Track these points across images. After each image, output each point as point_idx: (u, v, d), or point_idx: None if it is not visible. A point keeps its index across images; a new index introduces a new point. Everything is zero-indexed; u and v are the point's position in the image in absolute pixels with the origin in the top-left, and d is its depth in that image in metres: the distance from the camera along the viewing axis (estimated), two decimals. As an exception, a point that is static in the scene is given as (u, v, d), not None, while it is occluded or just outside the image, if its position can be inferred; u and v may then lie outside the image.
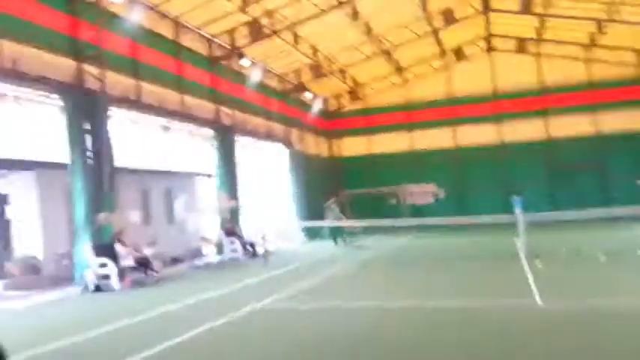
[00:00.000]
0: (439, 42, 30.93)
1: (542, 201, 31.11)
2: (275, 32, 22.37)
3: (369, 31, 26.17)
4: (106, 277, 14.27)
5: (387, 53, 30.12)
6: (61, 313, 11.62)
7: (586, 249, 16.52)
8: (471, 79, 34.29)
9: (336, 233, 23.40)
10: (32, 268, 15.75)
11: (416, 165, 34.98)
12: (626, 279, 11.67)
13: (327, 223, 23.17)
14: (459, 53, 33.74)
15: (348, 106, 36.53)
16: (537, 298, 9.92)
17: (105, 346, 8.49)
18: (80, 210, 14.59)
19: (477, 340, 7.54)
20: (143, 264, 15.19)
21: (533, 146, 33.35)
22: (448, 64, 34.69)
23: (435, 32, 28.90)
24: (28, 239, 15.92)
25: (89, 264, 14.33)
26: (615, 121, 32.09)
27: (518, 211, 25.84)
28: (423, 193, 34.91)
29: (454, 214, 26.51)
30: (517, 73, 33.59)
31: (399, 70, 33.64)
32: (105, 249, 14.64)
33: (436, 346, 7.45)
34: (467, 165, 34.23)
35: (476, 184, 33.74)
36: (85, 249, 14.53)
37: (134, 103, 17.37)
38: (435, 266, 15.91)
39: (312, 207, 29.60)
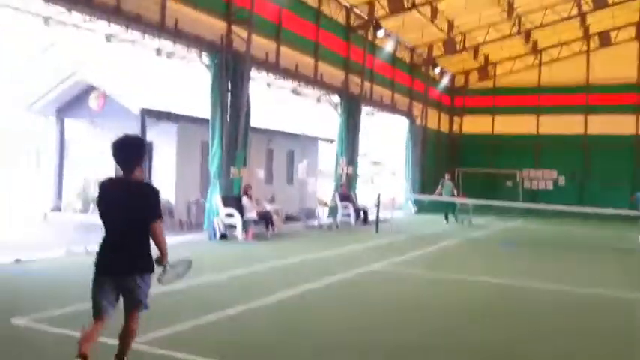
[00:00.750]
0: (584, 25, 29.60)
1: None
2: (414, 5, 22.60)
3: (510, 10, 25.60)
4: (232, 226, 15.60)
5: (526, 33, 29.31)
6: (195, 255, 13.05)
7: None
8: (613, 66, 32.29)
9: (448, 209, 23.57)
10: (167, 211, 17.50)
11: (538, 149, 34.00)
12: None
13: (439, 198, 23.29)
14: (603, 38, 32.00)
15: (476, 84, 35.98)
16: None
17: (246, 284, 9.63)
18: (215, 163, 15.77)
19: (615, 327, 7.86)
20: (265, 218, 16.30)
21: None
22: (589, 49, 33.07)
23: (582, 15, 27.71)
24: (165, 185, 17.43)
25: (218, 213, 15.64)
26: None
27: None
28: (542, 178, 34.02)
29: (573, 204, 25.69)
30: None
31: (535, 51, 32.58)
32: (233, 201, 15.90)
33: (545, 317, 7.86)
34: (594, 155, 32.74)
35: (601, 176, 32.26)
36: (215, 199, 15.73)
37: (273, 67, 18.44)
38: (549, 252, 15.83)
39: (426, 181, 29.89)
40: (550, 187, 33.75)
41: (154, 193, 4.68)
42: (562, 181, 33.68)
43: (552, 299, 9.41)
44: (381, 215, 20.12)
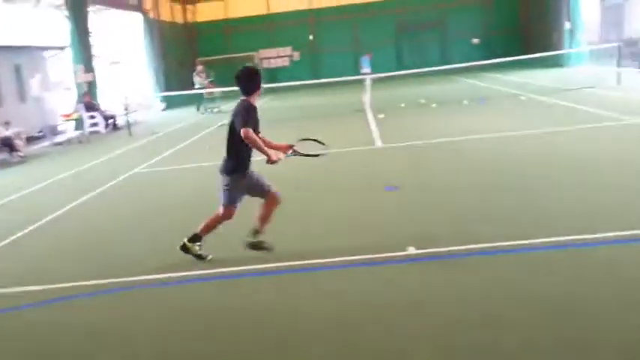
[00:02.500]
0: None
1: (390, 60, 33.55)
2: None
3: None
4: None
5: None
6: None
7: (423, 101, 18.86)
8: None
9: (198, 100, 24.03)
10: None
11: (271, 29, 35.55)
12: (448, 122, 13.94)
13: (187, 91, 23.53)
14: None
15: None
16: (377, 141, 11.96)
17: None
18: None
19: (331, 169, 9.29)
20: (6, 144, 15.19)
21: (384, 6, 35.01)
22: None
23: None
24: None
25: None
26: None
27: (366, 69, 28.00)
28: (278, 56, 35.93)
29: (309, 77, 27.96)
30: None
31: None
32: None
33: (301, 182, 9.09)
34: (320, 27, 35.40)
35: (329, 46, 35.26)
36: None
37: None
38: (291, 125, 17.30)
39: (171, 76, 29.65)
40: (287, 63, 35.91)
41: (243, 106, 5.52)
42: (297, 56, 35.98)
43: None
44: (132, 118, 19.80)
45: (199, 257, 5.84)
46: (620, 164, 8.19)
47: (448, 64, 25.47)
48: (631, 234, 5.34)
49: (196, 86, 23.64)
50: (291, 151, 5.78)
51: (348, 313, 4.40)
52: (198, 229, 5.84)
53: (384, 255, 5.42)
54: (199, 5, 36.15)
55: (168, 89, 27.66)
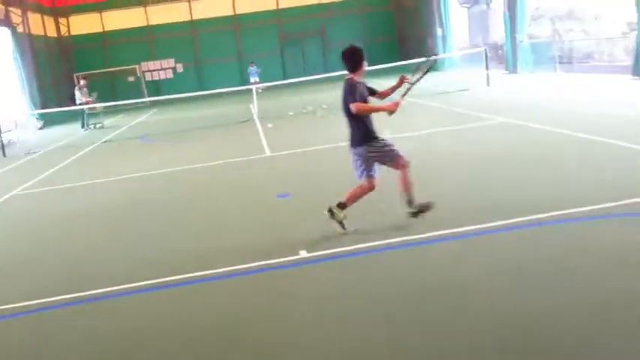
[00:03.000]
0: None
1: (275, 69, 33.92)
2: None
3: None
4: None
5: None
6: None
7: (310, 108, 19.23)
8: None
9: (82, 117, 23.01)
10: None
11: (152, 41, 34.78)
12: (333, 127, 14.30)
13: (66, 107, 22.46)
14: None
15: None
16: (267, 150, 12.08)
17: None
18: None
19: (228, 176, 9.28)
20: None
21: (265, 16, 35.35)
22: None
23: None
24: None
25: None
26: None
27: (253, 80, 28.11)
28: (161, 69, 35.20)
29: (194, 89, 27.64)
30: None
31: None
32: None
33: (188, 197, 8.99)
34: (202, 39, 35.10)
35: (213, 57, 35.04)
36: None
37: None
38: (180, 138, 17.07)
39: (47, 92, 28.16)
40: (171, 75, 35.25)
41: (347, 85, 5.86)
42: (181, 68, 35.41)
43: (212, 174, 10.67)
44: (5, 138, 18.61)
45: (341, 224, 6.01)
46: (497, 158, 8.84)
47: (331, 71, 26.18)
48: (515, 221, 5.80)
49: (77, 102, 22.60)
50: (406, 84, 6.15)
51: (236, 318, 4.45)
52: (344, 198, 6.04)
53: (277, 260, 5.52)
54: (73, 18, 34.61)
55: (44, 106, 26.23)
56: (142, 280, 5.48)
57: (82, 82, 23.38)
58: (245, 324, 4.36)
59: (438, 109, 15.26)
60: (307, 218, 6.88)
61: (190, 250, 6.33)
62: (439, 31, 29.77)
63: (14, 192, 11.25)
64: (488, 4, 29.97)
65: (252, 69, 29.42)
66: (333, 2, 35.72)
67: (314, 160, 10.79)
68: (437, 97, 17.69)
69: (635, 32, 16.90)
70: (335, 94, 21.69)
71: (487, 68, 19.82)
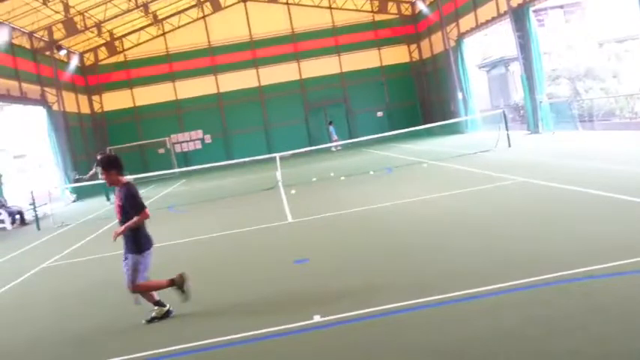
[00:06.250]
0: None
1: (301, 136, 34.70)
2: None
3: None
4: None
5: (144, 6, 30.24)
6: None
7: (332, 174, 19.53)
8: (229, 28, 35.96)
9: (107, 189, 23.62)
10: None
11: (181, 114, 36.02)
12: (355, 193, 14.54)
13: (96, 181, 23.12)
14: (214, 3, 35.08)
15: (107, 60, 35.77)
16: (289, 217, 12.28)
17: None
18: None
19: (250, 243, 9.46)
20: None
21: (289, 87, 36.48)
22: (205, 15, 35.86)
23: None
24: None
25: None
26: (354, 61, 36.65)
27: (335, 137, 29.63)
28: (190, 140, 36.26)
29: (222, 158, 28.34)
30: (271, 20, 36.18)
31: (157, 21, 33.91)
32: None
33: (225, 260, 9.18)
34: (230, 110, 36.25)
35: (240, 127, 36.06)
36: None
37: None
38: (207, 206, 17.44)
39: (80, 166, 29.14)
40: (199, 146, 36.25)
41: (133, 188, 6.48)
42: (209, 139, 36.43)
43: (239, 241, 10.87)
44: (40, 211, 19.24)
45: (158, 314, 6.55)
46: (523, 217, 8.87)
47: (355, 137, 26.73)
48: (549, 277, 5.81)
49: (90, 175, 23.29)
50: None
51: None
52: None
53: (291, 325, 5.61)
54: (105, 95, 36.18)
55: (79, 179, 27.12)
56: (161, 348, 5.61)
57: (99, 157, 24.08)
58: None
59: (457, 171, 15.38)
60: (324, 282, 6.97)
61: (205, 315, 6.46)
62: (460, 95, 30.25)
63: (45, 264, 11.58)
64: (506, 67, 30.49)
65: (332, 128, 31.04)
66: (354, 70, 36.73)
67: (333, 224, 10.93)
68: (458, 160, 17.83)
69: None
70: (358, 159, 21.95)
71: (507, 129, 19.99)
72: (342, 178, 18.03)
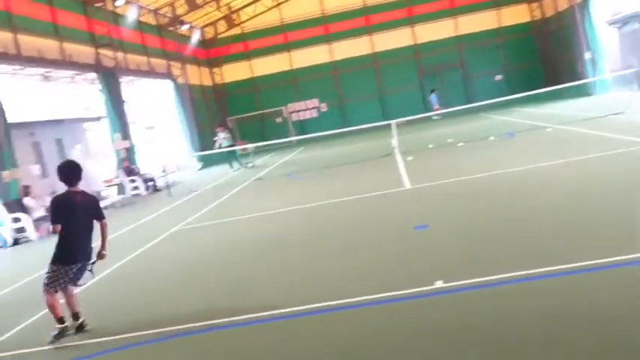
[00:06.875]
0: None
1: (416, 103, 34.15)
2: (143, -32, 22.56)
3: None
4: (22, 229, 15.04)
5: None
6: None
7: (450, 140, 19.14)
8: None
9: (230, 158, 24.75)
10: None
11: (297, 83, 36.66)
12: (475, 159, 14.17)
13: (218, 149, 24.24)
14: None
15: (225, 33, 37.08)
16: (407, 184, 12.26)
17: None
18: (-18, 172, 14.91)
19: (369, 209, 9.63)
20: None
21: (402, 52, 35.92)
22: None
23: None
24: None
25: (2, 221, 14.92)
26: (471, 23, 35.30)
27: (436, 106, 29.50)
28: (307, 109, 36.90)
29: (337, 126, 28.62)
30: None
31: (272, -8, 34.61)
32: (15, 205, 15.30)
33: (338, 221, 9.44)
34: (344, 78, 36.37)
35: (355, 95, 36.13)
36: (-5, 209, 14.95)
37: (14, 58, 17.41)
38: (327, 172, 17.78)
39: (203, 136, 30.70)
40: (315, 114, 36.82)
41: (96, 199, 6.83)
42: (325, 107, 36.89)
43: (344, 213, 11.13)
44: (170, 179, 20.55)
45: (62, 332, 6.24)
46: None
47: (473, 102, 25.84)
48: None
49: (216, 147, 24.19)
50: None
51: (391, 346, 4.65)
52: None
53: (412, 290, 5.67)
54: (225, 67, 37.61)
55: (202, 149, 28.65)
56: (291, 307, 5.89)
57: (218, 129, 25.10)
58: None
59: (589, 135, 14.48)
60: (444, 249, 6.95)
61: (325, 279, 6.67)
62: (587, 54, 28.28)
63: (178, 226, 12.45)
64: (641, 22, 27.97)
65: (434, 96, 31.43)
66: (470, 33, 35.41)
67: (452, 191, 10.76)
68: (586, 123, 16.80)
69: None
70: (477, 124, 21.23)
71: (641, 89, 18.48)
72: (461, 144, 17.64)
